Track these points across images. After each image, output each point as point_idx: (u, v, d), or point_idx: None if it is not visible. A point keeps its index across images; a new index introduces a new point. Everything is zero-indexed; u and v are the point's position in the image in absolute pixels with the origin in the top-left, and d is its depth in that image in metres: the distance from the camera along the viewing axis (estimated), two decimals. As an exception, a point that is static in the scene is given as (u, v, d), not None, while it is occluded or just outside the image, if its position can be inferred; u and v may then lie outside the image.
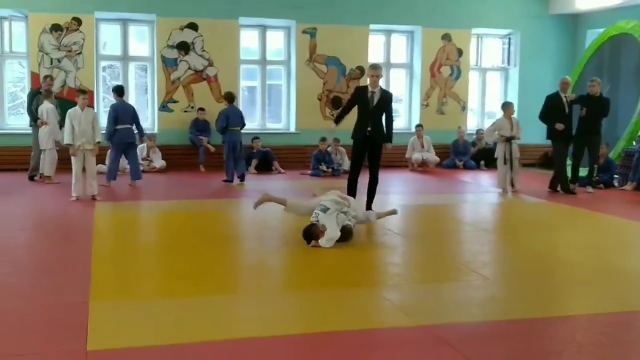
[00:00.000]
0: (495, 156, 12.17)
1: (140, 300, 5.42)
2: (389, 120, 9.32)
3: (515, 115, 12.27)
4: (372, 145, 9.25)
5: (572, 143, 12.02)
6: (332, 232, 7.28)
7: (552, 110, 11.94)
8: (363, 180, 9.27)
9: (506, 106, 12.17)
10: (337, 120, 9.39)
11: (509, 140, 11.84)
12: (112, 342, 4.44)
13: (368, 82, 9.23)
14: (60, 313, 5.04)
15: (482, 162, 15.62)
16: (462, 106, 16.66)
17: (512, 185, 11.90)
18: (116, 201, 10.42)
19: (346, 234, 7.53)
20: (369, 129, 9.13)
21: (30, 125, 12.44)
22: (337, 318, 5.10)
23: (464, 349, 4.38)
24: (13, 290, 5.66)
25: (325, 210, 7.45)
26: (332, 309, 5.32)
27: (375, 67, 9.21)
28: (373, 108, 9.12)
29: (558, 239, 8.28)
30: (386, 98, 9.29)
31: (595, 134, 11.83)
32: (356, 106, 9.31)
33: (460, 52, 16.53)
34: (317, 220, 7.36)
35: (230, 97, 12.80)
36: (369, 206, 9.30)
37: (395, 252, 7.58)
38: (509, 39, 17.20)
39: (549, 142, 12.40)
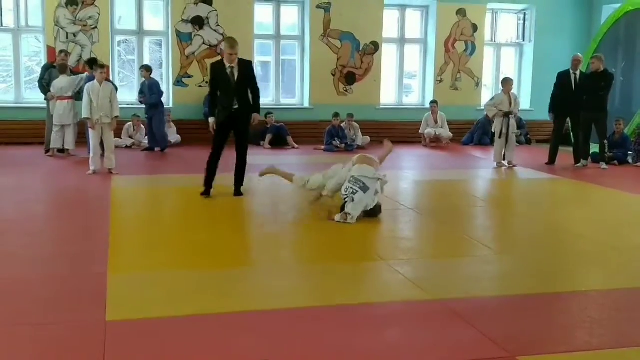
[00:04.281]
0: (493, 130, 12.41)
1: (157, 272, 5.51)
2: (255, 91, 8.65)
3: (517, 91, 12.47)
4: (238, 122, 8.56)
5: (579, 120, 12.18)
6: (353, 219, 7.25)
7: (560, 86, 12.38)
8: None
9: (506, 82, 12.40)
10: (212, 113, 8.66)
11: (507, 115, 12.00)
12: (130, 313, 4.53)
13: (224, 58, 8.56)
14: (80, 284, 5.14)
15: (496, 139, 15.60)
16: (476, 82, 16.58)
17: (504, 158, 12.11)
18: (133, 175, 10.50)
19: (376, 210, 7.54)
20: (235, 106, 8.46)
21: (45, 99, 12.52)
22: (351, 291, 5.18)
23: (477, 323, 4.43)
24: (33, 262, 5.77)
25: (365, 189, 7.30)
26: (346, 282, 5.39)
27: (233, 45, 8.42)
28: (236, 83, 8.45)
29: (570, 215, 8.29)
30: (247, 68, 8.61)
31: (601, 110, 11.95)
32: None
33: (475, 28, 16.42)
34: (353, 200, 7.25)
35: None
36: (238, 190, 8.76)
37: (408, 227, 7.65)
38: (524, 14, 17.07)
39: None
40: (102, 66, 10.68)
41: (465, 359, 3.95)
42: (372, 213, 7.47)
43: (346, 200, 7.29)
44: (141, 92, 13.22)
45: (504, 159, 12.11)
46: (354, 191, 7.28)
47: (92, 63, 11.77)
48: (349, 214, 7.21)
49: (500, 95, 12.27)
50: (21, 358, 3.89)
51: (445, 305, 4.80)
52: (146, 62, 14.71)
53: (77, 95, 11.76)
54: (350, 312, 4.67)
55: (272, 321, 4.45)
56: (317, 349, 4.04)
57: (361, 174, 7.44)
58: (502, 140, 12.01)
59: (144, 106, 13.27)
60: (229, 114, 8.46)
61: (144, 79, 13.26)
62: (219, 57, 9.12)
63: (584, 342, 4.27)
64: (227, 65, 8.43)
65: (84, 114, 10.28)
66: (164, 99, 13.60)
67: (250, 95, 8.62)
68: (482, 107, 16.02)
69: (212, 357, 3.92)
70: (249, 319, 4.49)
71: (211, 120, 8.61)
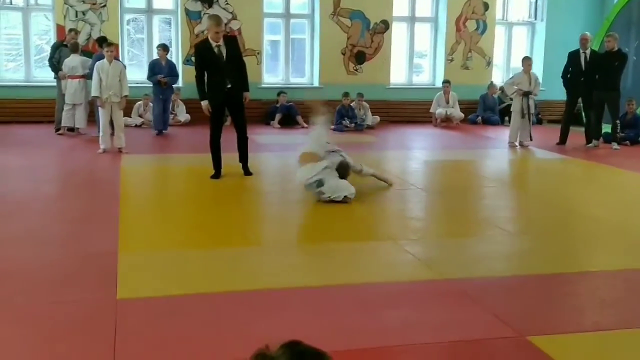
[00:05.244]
0: (512, 109, 12.33)
1: (167, 251, 5.53)
2: (243, 67, 8.48)
3: (533, 70, 12.36)
4: (233, 100, 8.40)
5: (591, 99, 12.09)
6: (349, 190, 7.25)
7: (570, 66, 12.33)
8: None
9: (525, 61, 12.34)
10: (203, 96, 8.34)
11: (526, 94, 11.95)
12: (140, 291, 4.57)
13: (210, 37, 8.28)
14: (90, 263, 5.16)
15: (507, 118, 15.51)
16: (487, 61, 16.46)
17: (523, 139, 12.05)
18: (143, 154, 10.52)
19: (343, 168, 7.50)
20: (229, 85, 8.25)
21: (55, 78, 12.53)
22: (360, 270, 5.19)
23: (486, 303, 4.44)
24: (44, 241, 5.79)
25: (321, 184, 7.19)
26: (355, 262, 5.40)
27: (219, 22, 8.28)
28: (226, 61, 8.23)
29: (581, 195, 8.26)
30: (234, 45, 8.51)
31: (614, 89, 11.84)
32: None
33: (486, 6, 16.26)
34: (324, 193, 7.19)
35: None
36: (246, 169, 8.72)
37: (417, 207, 7.64)
38: (537, -8, 16.93)
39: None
40: (111, 44, 10.67)
41: (475, 339, 3.96)
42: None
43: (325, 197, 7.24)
44: (154, 71, 12.94)
45: (516, 139, 12.01)
46: (319, 192, 7.22)
47: (102, 41, 11.76)
48: (344, 196, 7.17)
49: (520, 74, 12.24)
50: (34, 335, 3.92)
51: (455, 285, 4.79)
52: (155, 40, 14.66)
53: (89, 74, 11.74)
54: (359, 291, 4.67)
55: (281, 300, 4.47)
56: (326, 327, 4.04)
57: (304, 176, 7.34)
58: (523, 120, 11.93)
59: (151, 85, 13.09)
60: (224, 94, 8.29)
61: (157, 58, 13.18)
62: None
63: (593, 322, 4.27)
64: (214, 44, 8.19)
65: (94, 92, 10.30)
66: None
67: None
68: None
69: (220, 334, 3.94)
70: (259, 297, 4.50)
71: (204, 103, 8.37)
